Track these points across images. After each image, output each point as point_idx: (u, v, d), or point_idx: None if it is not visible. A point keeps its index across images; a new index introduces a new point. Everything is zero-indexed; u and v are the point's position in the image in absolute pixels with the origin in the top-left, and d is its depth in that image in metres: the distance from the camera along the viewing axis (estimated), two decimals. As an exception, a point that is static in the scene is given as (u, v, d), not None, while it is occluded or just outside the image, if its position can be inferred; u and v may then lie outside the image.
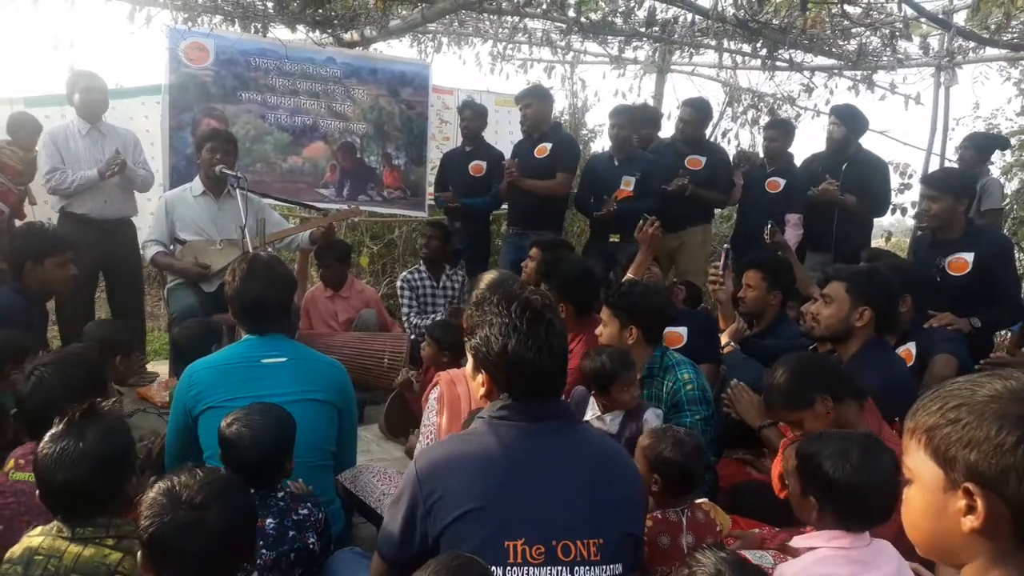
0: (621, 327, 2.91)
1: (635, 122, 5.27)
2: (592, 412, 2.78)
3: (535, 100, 5.18)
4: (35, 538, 1.71)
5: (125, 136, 4.70)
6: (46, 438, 1.76)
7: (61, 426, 1.76)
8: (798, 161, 5.34)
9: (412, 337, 4.63)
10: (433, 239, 5.18)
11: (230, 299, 2.61)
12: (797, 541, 1.82)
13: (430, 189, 6.01)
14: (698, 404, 2.83)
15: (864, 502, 1.76)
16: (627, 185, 4.98)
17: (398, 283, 5.22)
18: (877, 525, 1.79)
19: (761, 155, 5.54)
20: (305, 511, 2.12)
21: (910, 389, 2.80)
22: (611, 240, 4.99)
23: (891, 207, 6.06)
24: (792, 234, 4.95)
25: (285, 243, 4.60)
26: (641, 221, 3.87)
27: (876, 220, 5.67)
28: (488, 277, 2.91)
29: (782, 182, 5.16)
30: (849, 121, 5.03)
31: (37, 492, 1.76)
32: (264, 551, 1.98)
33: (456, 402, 2.33)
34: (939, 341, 3.27)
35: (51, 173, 4.39)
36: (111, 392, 2.75)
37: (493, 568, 1.54)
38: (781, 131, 5.37)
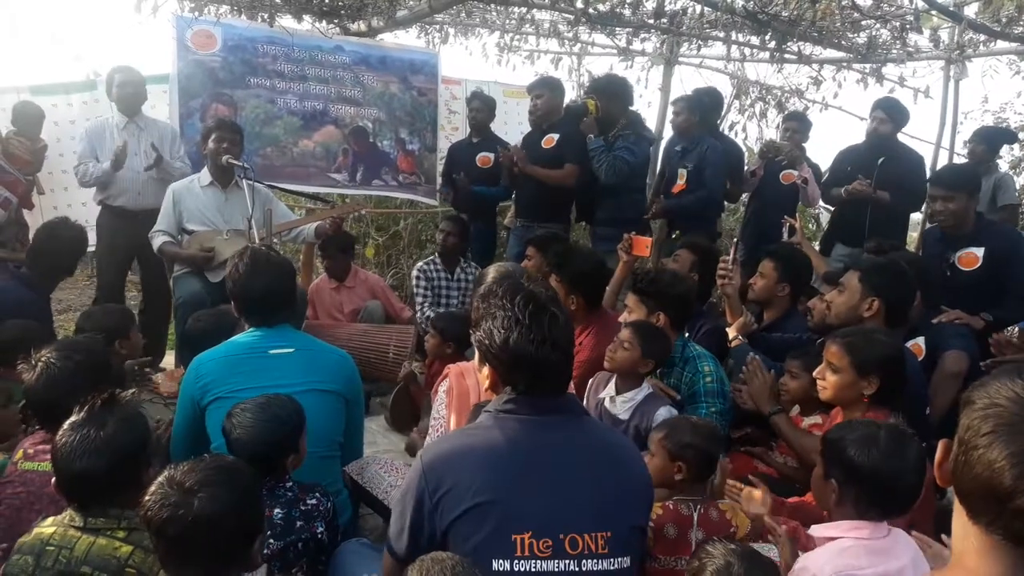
0: (648, 313, 2.91)
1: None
2: (608, 393, 2.79)
3: (547, 90, 5.13)
4: (47, 528, 1.71)
5: (163, 130, 4.75)
6: (65, 426, 1.75)
7: (82, 414, 1.75)
8: (831, 154, 5.26)
9: (422, 327, 4.61)
10: (451, 235, 5.05)
11: (234, 296, 2.58)
12: (816, 530, 1.82)
13: (440, 179, 6.00)
14: (715, 397, 2.83)
15: (885, 490, 1.75)
16: (681, 178, 4.91)
17: (414, 273, 5.18)
18: (896, 516, 1.78)
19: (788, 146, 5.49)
20: (314, 501, 2.13)
21: (919, 384, 2.79)
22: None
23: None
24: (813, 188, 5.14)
25: (291, 236, 4.59)
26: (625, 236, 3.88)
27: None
28: (495, 269, 2.89)
29: (796, 175, 5.13)
30: (896, 116, 4.89)
31: (53, 480, 1.75)
32: (271, 540, 1.99)
33: (465, 395, 2.32)
34: (950, 337, 3.24)
35: (77, 167, 4.53)
36: (126, 382, 2.75)
37: (501, 561, 1.54)
38: (800, 123, 5.33)
